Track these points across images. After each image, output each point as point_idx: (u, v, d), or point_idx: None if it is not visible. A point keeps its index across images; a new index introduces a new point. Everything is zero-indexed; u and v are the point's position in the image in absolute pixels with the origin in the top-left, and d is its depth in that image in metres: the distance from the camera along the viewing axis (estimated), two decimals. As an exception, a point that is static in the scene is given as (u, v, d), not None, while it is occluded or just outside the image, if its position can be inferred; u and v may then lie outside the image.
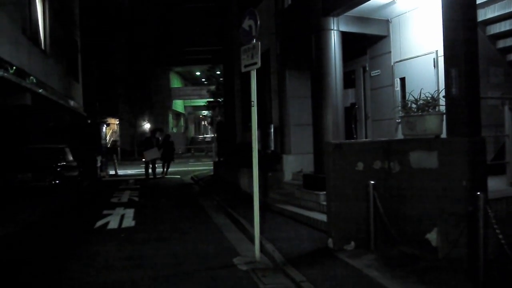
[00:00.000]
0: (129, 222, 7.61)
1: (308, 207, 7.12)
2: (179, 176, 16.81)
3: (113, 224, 7.47)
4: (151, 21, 36.71)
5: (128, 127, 35.34)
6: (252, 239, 5.43)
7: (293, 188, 8.15)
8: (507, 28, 6.41)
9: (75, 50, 18.72)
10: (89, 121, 19.39)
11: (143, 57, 35.04)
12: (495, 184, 5.12)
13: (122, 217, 8.04)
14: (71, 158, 13.01)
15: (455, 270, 4.12)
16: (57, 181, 11.25)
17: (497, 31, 6.58)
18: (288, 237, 5.85)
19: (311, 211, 6.87)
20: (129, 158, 30.88)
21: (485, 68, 6.52)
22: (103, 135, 19.57)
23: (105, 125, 20.47)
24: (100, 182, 16.14)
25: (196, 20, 37.03)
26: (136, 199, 10.54)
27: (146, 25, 36.12)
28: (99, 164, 17.52)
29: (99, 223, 7.55)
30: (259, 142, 10.31)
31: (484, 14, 6.46)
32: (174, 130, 42.92)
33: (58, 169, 11.59)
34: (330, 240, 5.15)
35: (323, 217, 6.06)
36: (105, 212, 8.53)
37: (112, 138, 36.09)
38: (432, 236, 4.63)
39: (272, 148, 9.83)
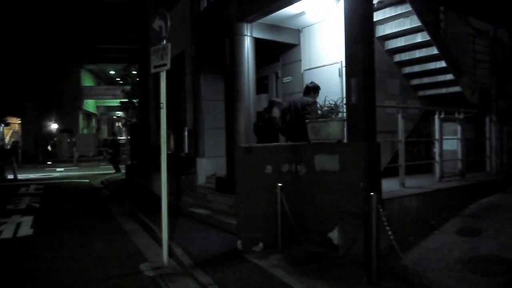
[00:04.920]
0: (26, 230, 6.97)
1: (220, 210, 7.16)
2: (87, 180, 15.83)
3: (6, 233, 6.78)
4: (61, 13, 34.14)
5: (32, 127, 32.52)
6: (162, 244, 5.30)
7: (207, 191, 8.13)
8: (403, 44, 7.08)
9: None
10: (-17, 120, 17.51)
11: (51, 52, 32.49)
12: (390, 185, 5.61)
13: (19, 225, 7.33)
14: (-41, 160, 11.62)
15: (354, 266, 4.42)
16: None
17: (394, 46, 7.22)
18: (199, 240, 5.83)
19: (223, 214, 6.91)
20: (31, 161, 28.34)
21: (383, 80, 7.12)
22: (0, 136, 17.77)
23: (3, 125, 18.62)
24: (-4, 187, 14.59)
25: (112, 15, 35.22)
26: (37, 205, 9.70)
27: (56, 17, 33.53)
28: (-6, 168, 15.89)
29: (-10, 232, 6.82)
30: (173, 145, 10.14)
31: (383, 30, 7.07)
32: (85, 131, 40.43)
33: None
34: (239, 242, 5.22)
35: (234, 220, 6.12)
36: (-2, 220, 7.73)
37: (12, 139, 32.95)
38: (334, 235, 4.93)
39: (186, 151, 9.70)
